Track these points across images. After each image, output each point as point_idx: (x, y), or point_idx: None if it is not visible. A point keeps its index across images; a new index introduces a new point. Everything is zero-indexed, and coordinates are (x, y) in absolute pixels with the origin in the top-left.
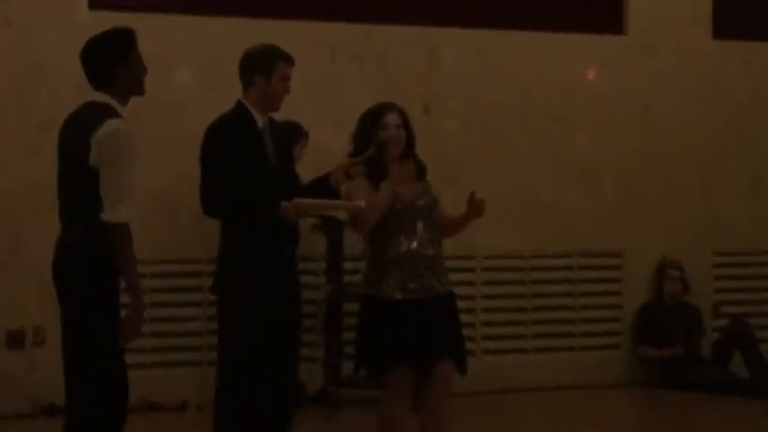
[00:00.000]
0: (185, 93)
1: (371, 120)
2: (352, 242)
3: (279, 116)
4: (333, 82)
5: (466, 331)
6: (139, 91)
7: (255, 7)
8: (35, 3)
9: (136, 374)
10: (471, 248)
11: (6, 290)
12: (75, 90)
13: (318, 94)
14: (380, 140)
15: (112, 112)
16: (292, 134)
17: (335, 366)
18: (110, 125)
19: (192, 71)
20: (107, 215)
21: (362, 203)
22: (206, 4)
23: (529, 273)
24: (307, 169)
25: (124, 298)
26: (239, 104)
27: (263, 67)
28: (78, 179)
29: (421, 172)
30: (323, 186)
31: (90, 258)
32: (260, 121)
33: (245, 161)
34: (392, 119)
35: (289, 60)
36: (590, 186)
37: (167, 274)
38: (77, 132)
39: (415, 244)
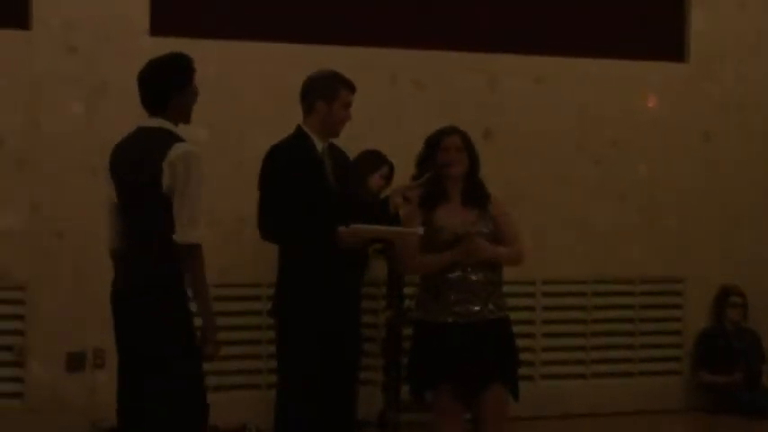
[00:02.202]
0: (246, 118)
1: (433, 143)
2: None
3: (359, 145)
4: (393, 107)
5: (525, 356)
6: (187, 119)
7: (316, 33)
8: (99, 29)
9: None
10: (531, 274)
11: (67, 312)
12: (137, 114)
13: (378, 120)
14: (439, 164)
15: (176, 137)
16: (372, 162)
17: (395, 390)
18: (179, 148)
19: (253, 97)
20: (180, 236)
21: (421, 230)
22: (266, 31)
23: (589, 298)
24: None
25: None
26: (299, 129)
27: (325, 93)
28: (150, 204)
29: (479, 200)
30: (381, 211)
31: (164, 281)
32: (319, 145)
33: (304, 186)
34: (452, 142)
35: (351, 87)
36: (650, 212)
37: (227, 297)
38: (144, 158)
39: (460, 271)
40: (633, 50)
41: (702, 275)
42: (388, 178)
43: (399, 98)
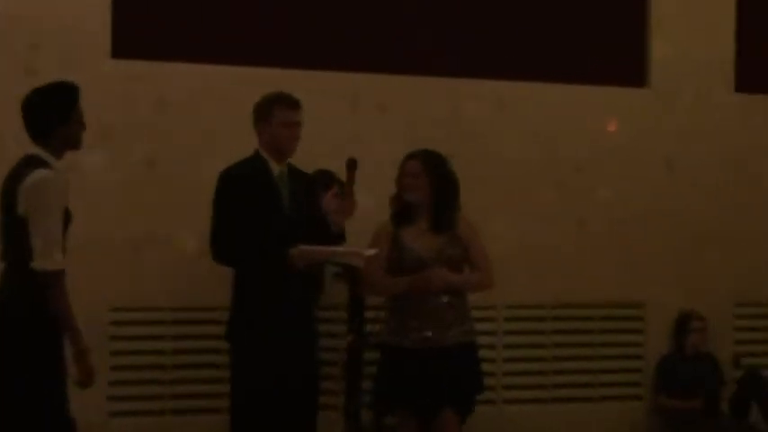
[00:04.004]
0: (206, 142)
1: (399, 166)
2: None
3: (309, 166)
4: (355, 132)
5: (487, 381)
6: (76, 146)
7: (278, 57)
8: (59, 51)
9: (154, 421)
10: (492, 298)
11: None
12: (100, 136)
13: (340, 144)
14: (398, 189)
15: (41, 164)
16: (321, 183)
17: (356, 415)
18: (36, 175)
19: (214, 120)
20: (38, 263)
21: (370, 251)
22: (229, 54)
23: (550, 323)
24: None
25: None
26: (256, 152)
27: (264, 114)
28: (11, 230)
29: (445, 224)
30: (322, 231)
31: (25, 309)
32: (276, 168)
33: (255, 208)
34: (409, 167)
35: (289, 104)
36: (611, 238)
37: (185, 321)
38: (8, 185)
39: (426, 296)
40: (595, 76)
41: (663, 300)
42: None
43: (361, 122)
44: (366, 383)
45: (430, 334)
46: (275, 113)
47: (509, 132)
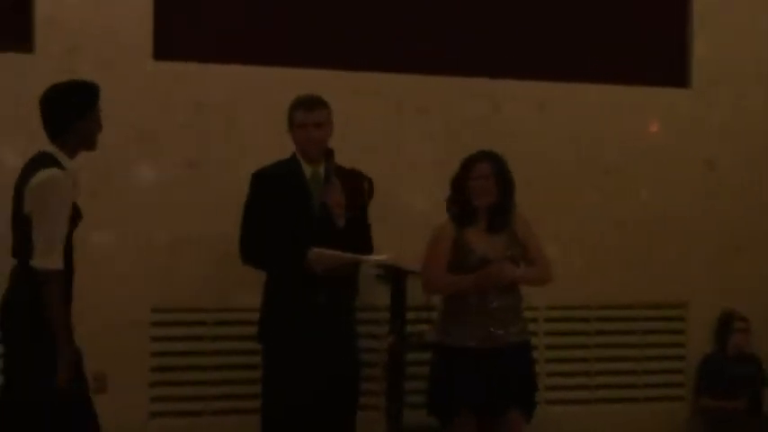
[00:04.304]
0: (246, 143)
1: (464, 168)
2: (416, 291)
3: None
4: (395, 133)
5: None
6: (91, 147)
7: (319, 59)
8: (101, 53)
9: (196, 422)
10: (534, 299)
11: None
12: (139, 139)
13: (381, 145)
14: (468, 191)
15: (52, 163)
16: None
17: (397, 416)
18: (42, 174)
19: (257, 121)
20: (37, 262)
21: (384, 257)
22: (272, 55)
23: (592, 324)
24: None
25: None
26: (293, 154)
27: (289, 117)
28: (19, 228)
29: (503, 223)
30: (329, 227)
31: (26, 306)
32: (308, 170)
33: (281, 209)
34: (479, 170)
35: (303, 106)
36: (653, 238)
37: (226, 321)
38: (18, 181)
39: (480, 296)
40: (635, 76)
41: (704, 301)
42: (369, 194)
43: (402, 123)
44: (408, 384)
45: (487, 333)
46: (293, 116)
47: (549, 133)
